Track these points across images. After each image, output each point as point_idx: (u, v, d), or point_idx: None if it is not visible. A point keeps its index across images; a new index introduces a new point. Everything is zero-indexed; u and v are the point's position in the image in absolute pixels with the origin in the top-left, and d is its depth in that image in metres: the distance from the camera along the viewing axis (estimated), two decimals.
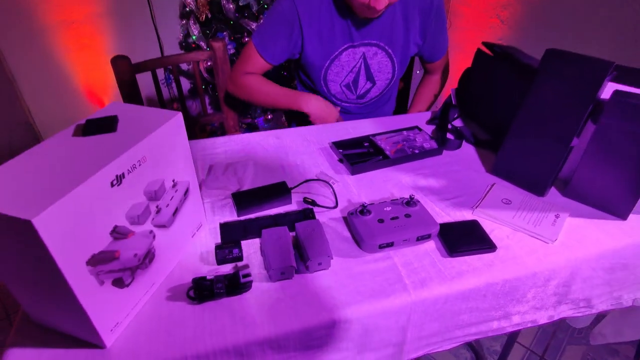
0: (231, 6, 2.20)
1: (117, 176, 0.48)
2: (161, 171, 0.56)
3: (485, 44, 1.02)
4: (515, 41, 1.78)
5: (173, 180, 0.59)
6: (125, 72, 1.23)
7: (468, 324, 0.67)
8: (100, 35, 2.39)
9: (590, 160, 0.73)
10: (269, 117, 2.46)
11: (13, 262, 0.45)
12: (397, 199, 0.72)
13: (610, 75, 0.69)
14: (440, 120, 1.03)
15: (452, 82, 1.24)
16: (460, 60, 1.61)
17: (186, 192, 0.63)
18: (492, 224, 0.72)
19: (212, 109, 2.53)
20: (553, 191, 0.81)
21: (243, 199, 0.75)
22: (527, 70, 0.87)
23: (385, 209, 0.69)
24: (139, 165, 0.51)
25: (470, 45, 1.71)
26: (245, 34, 2.27)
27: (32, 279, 0.46)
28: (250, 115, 2.53)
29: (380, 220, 0.67)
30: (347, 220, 0.71)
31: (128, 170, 0.49)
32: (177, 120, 0.57)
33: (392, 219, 0.67)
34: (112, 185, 0.47)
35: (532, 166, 0.79)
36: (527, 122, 0.78)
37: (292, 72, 1.53)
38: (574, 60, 0.71)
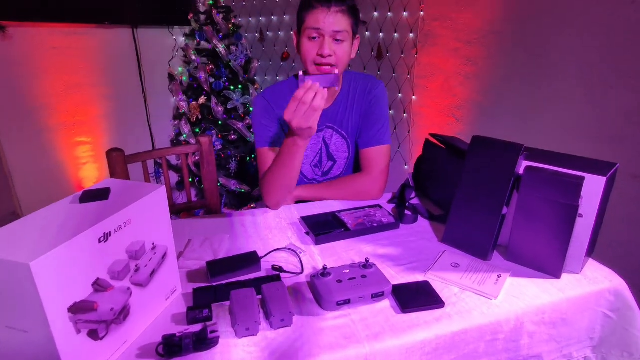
0: (220, 109, 2.47)
1: (104, 234, 0.56)
2: (143, 234, 0.65)
3: (431, 134, 1.21)
4: (469, 135, 2.03)
5: (153, 244, 0.67)
6: (119, 163, 1.36)
7: None
8: (97, 133, 2.62)
9: (519, 226, 0.84)
10: (252, 206, 2.58)
11: (3, 306, 0.51)
12: (355, 263, 0.80)
13: (523, 155, 0.84)
14: (398, 199, 1.16)
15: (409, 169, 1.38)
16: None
17: (164, 256, 0.71)
18: (442, 285, 0.80)
19: (197, 197, 2.65)
20: (497, 255, 0.90)
21: (216, 266, 0.82)
22: (463, 154, 1.03)
23: (343, 271, 0.77)
24: (125, 226, 0.60)
25: None
26: (232, 132, 2.51)
27: (17, 324, 0.51)
28: (233, 206, 2.65)
29: (339, 281, 0.74)
30: (310, 282, 0.78)
31: (115, 229, 0.58)
32: (160, 192, 0.68)
33: (350, 279, 0.75)
34: (100, 241, 0.56)
35: (474, 234, 0.89)
36: (464, 196, 0.91)
37: None
38: (494, 144, 0.87)
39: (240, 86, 2.58)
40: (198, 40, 2.51)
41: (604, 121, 1.46)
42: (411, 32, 2.19)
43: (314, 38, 1.06)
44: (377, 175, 1.19)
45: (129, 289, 0.62)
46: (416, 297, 0.74)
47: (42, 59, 2.30)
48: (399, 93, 2.35)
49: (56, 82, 2.38)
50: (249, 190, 2.59)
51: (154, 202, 0.67)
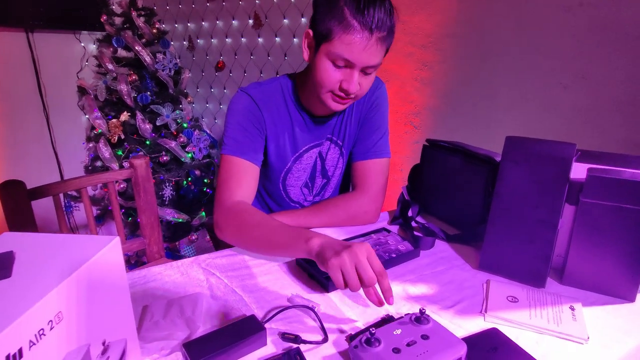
0: (148, 126, 2.10)
1: (8, 357, 0.27)
2: (85, 332, 0.35)
3: (429, 140, 1.04)
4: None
5: (103, 343, 0.38)
6: (19, 200, 0.98)
7: None
8: None
9: (580, 243, 0.70)
10: (193, 237, 2.22)
11: None
12: (402, 317, 0.58)
13: (575, 155, 0.70)
14: (402, 219, 0.97)
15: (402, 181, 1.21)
16: None
17: (122, 356, 0.41)
18: (512, 329, 0.61)
19: (126, 235, 2.21)
20: (549, 280, 0.74)
21: (199, 349, 0.53)
22: (483, 160, 0.87)
23: (394, 332, 0.54)
24: (51, 329, 0.31)
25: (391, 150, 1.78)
26: (163, 152, 2.15)
27: None
28: (169, 238, 2.26)
29: (396, 350, 0.51)
30: (351, 356, 0.53)
31: (31, 341, 0.29)
32: (113, 249, 0.39)
33: (409, 344, 0.52)
34: None
35: (522, 256, 0.73)
36: (502, 211, 0.75)
37: None
38: (537, 146, 0.71)
39: (170, 100, 2.23)
40: (115, 46, 2.12)
41: (561, 122, 1.44)
42: None
43: (340, 66, 0.79)
44: (375, 194, 0.97)
45: None
46: (495, 356, 0.54)
47: None
48: None
49: None
50: (187, 219, 2.22)
51: (103, 268, 0.38)
